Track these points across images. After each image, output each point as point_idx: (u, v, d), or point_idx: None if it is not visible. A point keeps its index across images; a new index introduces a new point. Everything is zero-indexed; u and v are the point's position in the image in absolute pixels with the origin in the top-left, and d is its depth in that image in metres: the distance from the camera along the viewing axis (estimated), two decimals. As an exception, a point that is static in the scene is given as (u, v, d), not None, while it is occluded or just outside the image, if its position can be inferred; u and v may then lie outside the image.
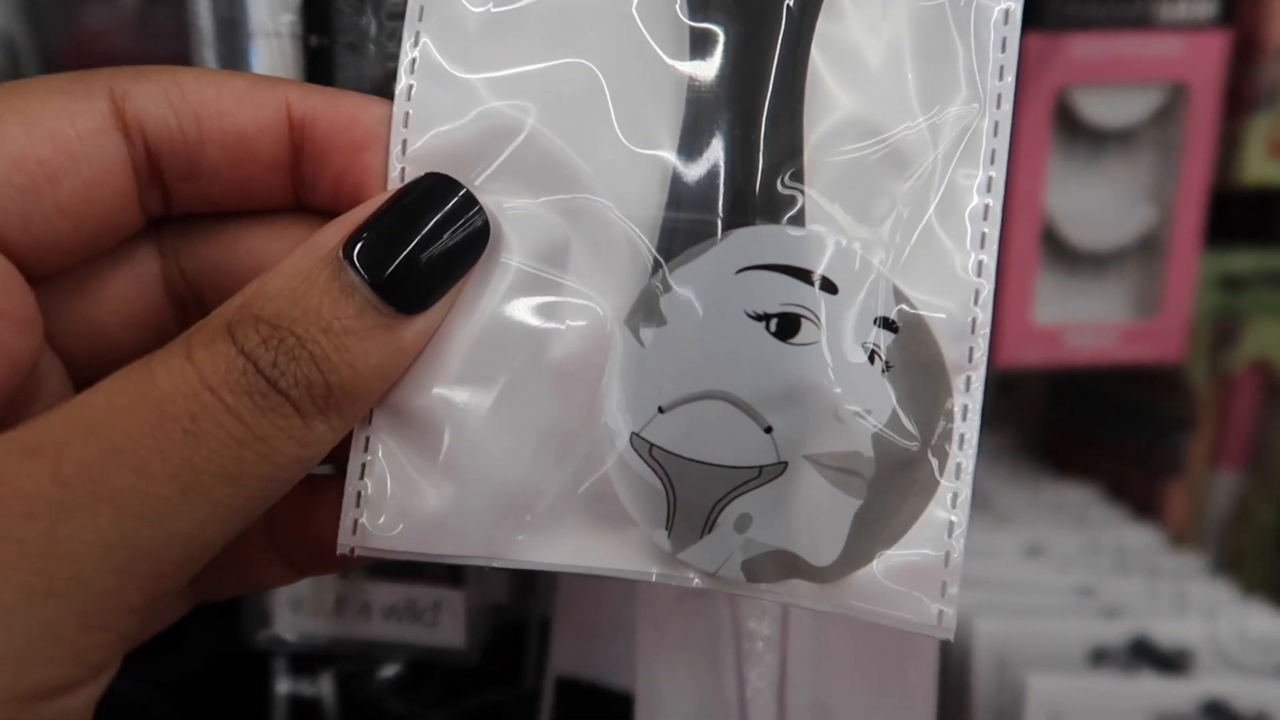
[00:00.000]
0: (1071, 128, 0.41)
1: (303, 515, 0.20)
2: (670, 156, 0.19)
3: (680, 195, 0.19)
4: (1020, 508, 0.49)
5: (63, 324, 0.20)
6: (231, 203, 0.20)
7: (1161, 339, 0.42)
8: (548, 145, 0.19)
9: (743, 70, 0.19)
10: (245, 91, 0.19)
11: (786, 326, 0.19)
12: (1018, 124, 0.40)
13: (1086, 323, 0.42)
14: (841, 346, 0.19)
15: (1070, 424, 0.57)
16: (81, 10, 0.49)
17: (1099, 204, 0.42)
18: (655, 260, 0.19)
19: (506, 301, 0.19)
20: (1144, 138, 0.41)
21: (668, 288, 0.19)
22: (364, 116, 0.20)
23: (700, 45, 0.20)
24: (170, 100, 0.19)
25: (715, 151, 0.19)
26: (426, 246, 0.18)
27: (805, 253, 0.19)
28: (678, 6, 0.20)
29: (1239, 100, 0.43)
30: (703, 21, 0.20)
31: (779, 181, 0.19)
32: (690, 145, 0.19)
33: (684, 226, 0.19)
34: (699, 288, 0.19)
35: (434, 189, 0.19)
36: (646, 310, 0.19)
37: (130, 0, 0.48)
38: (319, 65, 0.27)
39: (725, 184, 0.19)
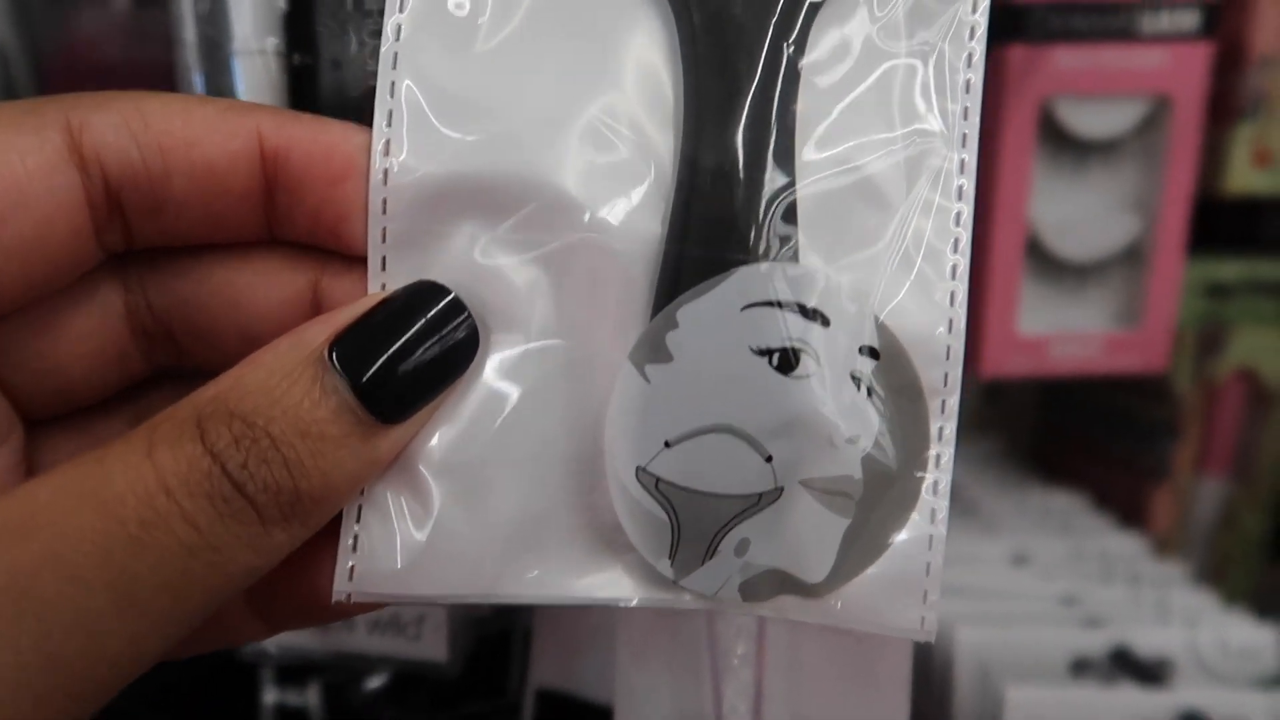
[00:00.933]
0: (1056, 138, 0.41)
1: (285, 569, 0.18)
2: (670, 192, 0.19)
3: (681, 231, 0.19)
4: (1006, 515, 0.49)
5: (14, 360, 0.19)
6: (199, 236, 0.19)
7: (1145, 349, 0.43)
8: (544, 185, 0.19)
9: (737, 109, 0.19)
10: (214, 120, 0.18)
11: (787, 360, 0.19)
12: (1002, 134, 0.40)
13: (1071, 333, 0.42)
14: (835, 377, 0.19)
15: (1058, 429, 0.57)
16: (72, 17, 0.49)
17: (1083, 214, 0.42)
18: (659, 296, 0.19)
19: (505, 350, 0.19)
20: (1128, 148, 0.42)
21: (674, 325, 0.19)
22: (342, 146, 0.19)
23: (693, 84, 0.20)
24: (132, 130, 0.18)
25: (714, 189, 0.19)
26: (413, 356, 0.18)
27: (802, 288, 0.19)
28: (670, 46, 0.20)
29: (1224, 109, 0.43)
30: (694, 62, 0.20)
31: (775, 218, 0.20)
32: (690, 182, 0.19)
33: (688, 263, 0.19)
34: (705, 325, 0.19)
35: (424, 296, 0.18)
36: (652, 347, 0.19)
37: (121, 7, 0.49)
38: (302, 83, 0.28)
39: (725, 221, 0.19)
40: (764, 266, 0.19)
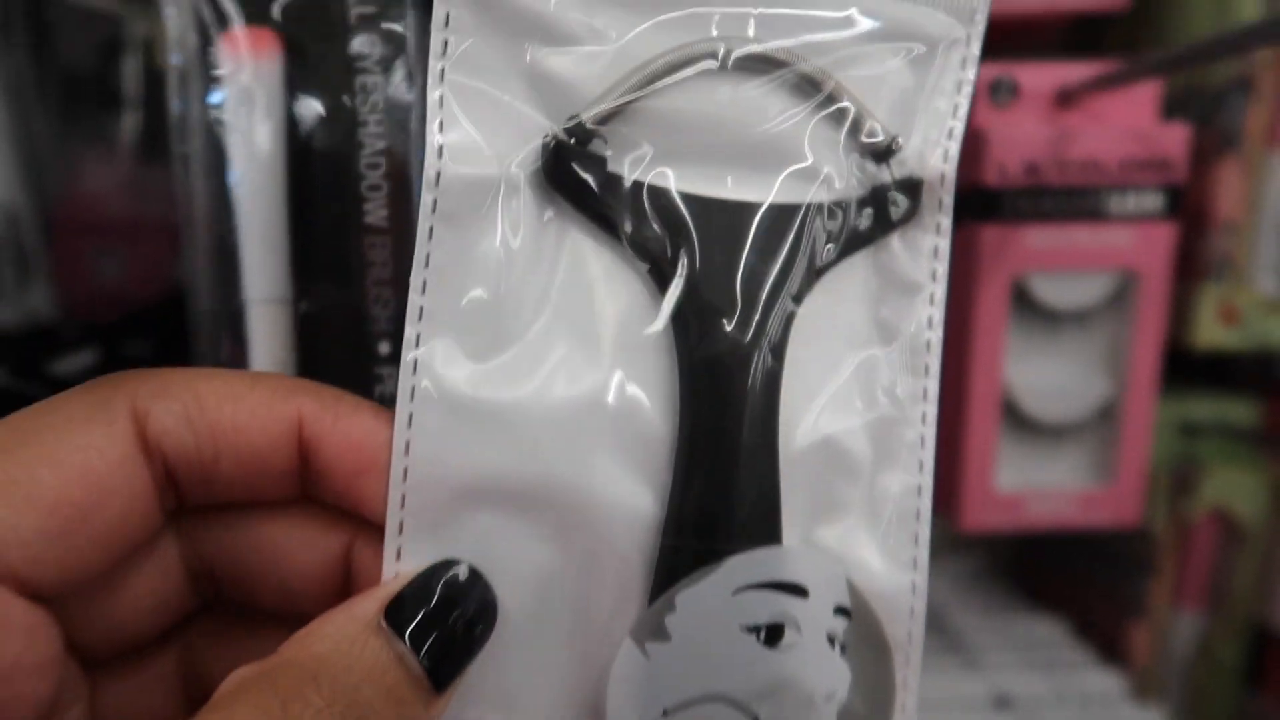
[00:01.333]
0: (1029, 307, 0.43)
1: None
2: (665, 482, 0.21)
3: (677, 524, 0.21)
4: (990, 648, 0.51)
5: (88, 623, 0.20)
6: (241, 500, 0.21)
7: (1118, 505, 0.44)
8: (552, 480, 0.20)
9: (726, 412, 0.21)
10: (262, 407, 0.20)
11: (774, 634, 0.21)
12: (977, 306, 0.42)
13: (1046, 490, 0.44)
14: (814, 641, 0.21)
15: (1038, 551, 0.59)
16: (79, 175, 0.50)
17: (1056, 378, 0.44)
18: (656, 580, 0.21)
19: (513, 627, 0.21)
20: (1098, 316, 0.43)
21: (672, 609, 0.21)
22: (367, 442, 0.20)
23: (687, 386, 0.21)
24: (190, 419, 0.19)
25: (707, 487, 0.21)
26: (455, 625, 0.20)
27: (785, 568, 0.21)
28: (669, 353, 0.21)
29: (1191, 269, 0.45)
30: (689, 365, 0.21)
31: (761, 509, 0.21)
32: (684, 480, 0.21)
33: (683, 553, 0.21)
34: (701, 609, 0.21)
35: (447, 571, 0.20)
36: (652, 628, 0.21)
37: (125, 164, 0.50)
38: (308, 329, 0.29)
39: (718, 517, 0.21)
40: (751, 555, 0.21)
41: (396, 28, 0.27)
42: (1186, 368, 0.48)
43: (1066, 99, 0.40)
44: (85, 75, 0.51)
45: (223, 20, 0.28)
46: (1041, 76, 0.41)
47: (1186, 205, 0.43)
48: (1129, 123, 0.41)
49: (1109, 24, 0.49)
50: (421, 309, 0.21)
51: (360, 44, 0.27)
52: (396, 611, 0.19)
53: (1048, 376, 0.44)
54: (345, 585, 0.21)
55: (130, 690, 0.22)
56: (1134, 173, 0.40)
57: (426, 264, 0.21)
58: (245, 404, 0.20)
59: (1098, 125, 0.40)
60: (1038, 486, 0.44)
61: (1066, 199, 0.40)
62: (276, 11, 0.27)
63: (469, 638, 0.20)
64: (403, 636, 0.19)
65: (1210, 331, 0.46)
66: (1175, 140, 0.40)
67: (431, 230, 0.21)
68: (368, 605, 0.19)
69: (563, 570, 0.21)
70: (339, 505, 0.21)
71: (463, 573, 0.20)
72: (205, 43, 0.28)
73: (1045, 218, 0.41)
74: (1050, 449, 0.45)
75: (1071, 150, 0.40)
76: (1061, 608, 0.55)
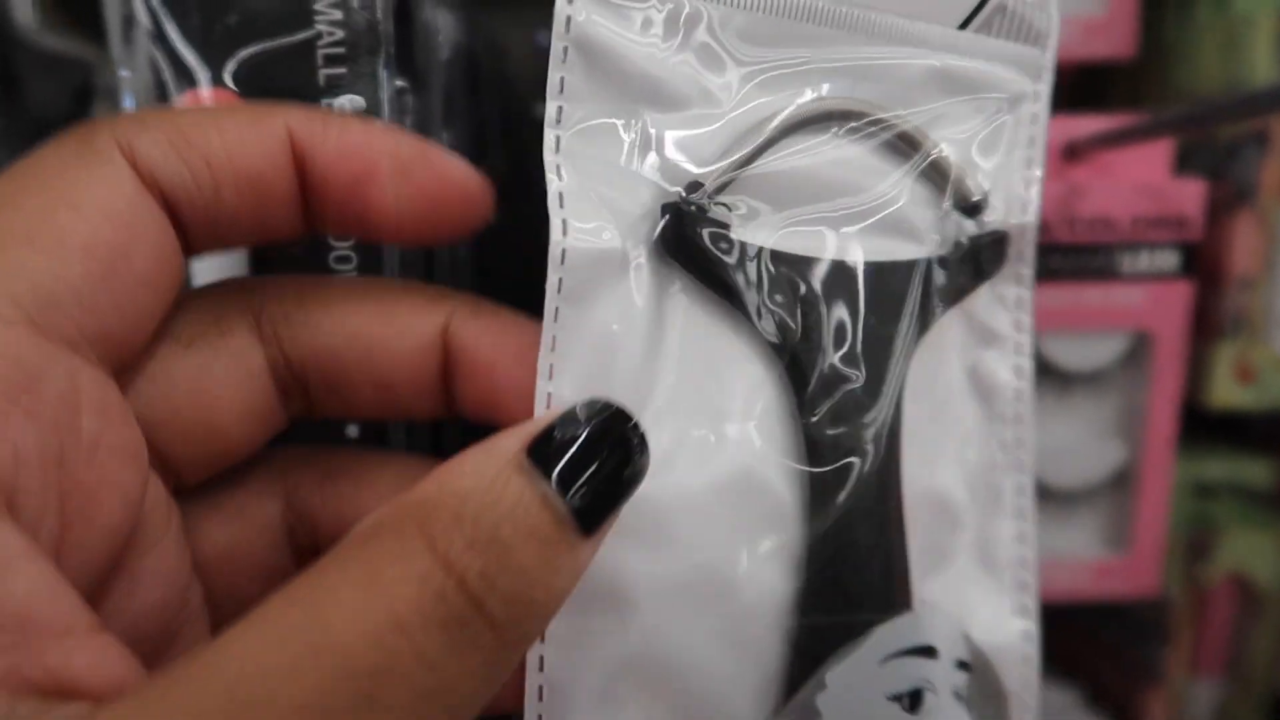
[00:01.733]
0: (1039, 369, 0.41)
1: None
2: (798, 564, 0.21)
3: (816, 598, 0.21)
4: None
5: (171, 423, 0.19)
6: (249, 241, 0.20)
7: (1135, 575, 0.42)
8: (686, 566, 0.20)
9: (858, 479, 0.21)
10: (248, 128, 0.19)
11: (916, 700, 0.21)
12: (985, 367, 0.40)
13: (1061, 560, 0.42)
14: (946, 701, 0.22)
15: (1050, 619, 0.57)
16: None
17: (1069, 442, 0.42)
18: (795, 660, 0.21)
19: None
20: (1112, 378, 0.42)
21: (823, 687, 0.21)
22: (364, 148, 0.19)
23: (815, 454, 0.21)
24: (178, 149, 0.18)
25: (845, 558, 0.21)
26: (603, 467, 0.17)
27: (921, 632, 0.22)
28: (792, 422, 0.21)
29: (1206, 326, 0.43)
30: (817, 433, 0.21)
31: (896, 575, 0.22)
32: (819, 554, 0.21)
33: (826, 629, 0.21)
34: (851, 684, 0.21)
35: (599, 409, 0.17)
36: (804, 709, 0.21)
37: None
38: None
39: (859, 590, 0.21)
40: (895, 623, 0.21)
41: (360, 98, 0.25)
42: (1199, 426, 0.47)
43: (1074, 153, 0.39)
44: (56, 123, 0.49)
45: (183, 80, 0.26)
46: (1049, 130, 0.39)
47: (1200, 259, 0.41)
48: (1141, 178, 0.39)
49: (1114, 74, 0.47)
50: (549, 395, 0.20)
51: (328, 106, 0.25)
52: (541, 450, 0.17)
53: (1060, 440, 0.42)
54: (442, 373, 0.21)
55: (235, 537, 0.21)
56: (1147, 230, 0.38)
57: (553, 347, 0.20)
58: (231, 127, 0.19)
59: (1108, 180, 0.38)
60: (1051, 556, 0.42)
61: (1077, 258, 0.39)
62: (234, 72, 0.25)
63: (620, 477, 0.17)
64: (548, 476, 0.16)
65: (1226, 391, 0.44)
66: (1190, 196, 0.38)
67: (557, 311, 0.20)
68: (509, 442, 0.17)
69: (701, 655, 0.20)
70: (344, 227, 0.20)
71: (611, 409, 0.18)
72: (164, 104, 0.26)
73: (1055, 277, 0.39)
74: (1063, 516, 0.43)
75: (1082, 207, 0.38)
76: (1073, 675, 0.53)
